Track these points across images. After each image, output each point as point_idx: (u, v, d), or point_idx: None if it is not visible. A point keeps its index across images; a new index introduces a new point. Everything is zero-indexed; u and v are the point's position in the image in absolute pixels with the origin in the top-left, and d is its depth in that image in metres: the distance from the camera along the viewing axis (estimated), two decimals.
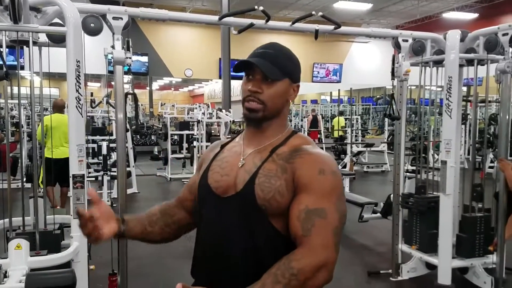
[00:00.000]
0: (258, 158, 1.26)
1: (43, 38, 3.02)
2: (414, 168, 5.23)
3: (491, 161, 9.06)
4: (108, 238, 1.31)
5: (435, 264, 3.94)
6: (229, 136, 1.46)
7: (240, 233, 1.22)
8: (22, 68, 5.55)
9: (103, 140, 7.92)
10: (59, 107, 5.86)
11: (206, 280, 1.23)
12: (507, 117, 3.80)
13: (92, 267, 3.01)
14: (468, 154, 9.91)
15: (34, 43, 2.90)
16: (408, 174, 4.71)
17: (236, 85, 24.20)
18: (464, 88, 5.99)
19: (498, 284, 3.75)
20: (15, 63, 2.87)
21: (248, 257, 1.21)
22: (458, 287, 3.86)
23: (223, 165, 1.31)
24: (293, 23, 3.44)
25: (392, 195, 4.42)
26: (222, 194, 1.27)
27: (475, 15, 16.40)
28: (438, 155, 4.11)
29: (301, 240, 1.15)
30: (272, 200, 1.19)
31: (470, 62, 3.95)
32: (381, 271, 4.25)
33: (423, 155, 4.68)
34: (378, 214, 5.34)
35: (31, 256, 2.47)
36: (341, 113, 15.33)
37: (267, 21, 3.32)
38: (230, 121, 9.14)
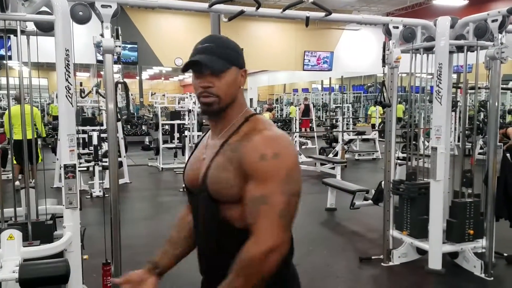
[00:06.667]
0: (213, 150, 1.32)
1: (31, 27, 2.97)
2: (405, 155, 5.28)
3: (481, 148, 9.16)
4: None
5: (425, 249, 4.00)
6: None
7: (205, 226, 1.34)
8: (10, 58, 5.50)
9: (93, 130, 7.86)
10: (19, 99, 6.53)
11: (202, 270, 1.47)
12: (496, 103, 3.84)
13: (85, 257, 3.00)
14: (458, 140, 10.00)
15: (22, 32, 2.86)
16: (399, 161, 4.76)
17: None
18: (454, 75, 6.03)
19: (487, 268, 3.82)
20: (2, 53, 2.83)
21: (213, 248, 1.34)
22: (449, 272, 3.93)
23: (192, 160, 1.42)
24: (284, 10, 3.43)
25: (383, 182, 4.46)
26: (193, 189, 1.38)
27: (465, 2, 16.39)
28: (428, 142, 4.14)
29: (251, 229, 1.21)
30: (222, 190, 1.25)
31: (460, 49, 3.97)
32: (373, 257, 4.30)
33: (414, 142, 4.72)
34: (370, 201, 5.39)
35: (23, 246, 2.46)
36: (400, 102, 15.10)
37: (257, 8, 3.30)
38: None
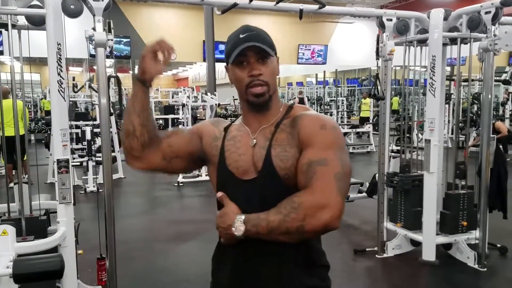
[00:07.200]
0: (267, 132, 1.29)
1: (22, 21, 2.94)
2: (398, 148, 5.29)
3: (474, 140, 9.20)
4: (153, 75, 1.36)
5: (419, 241, 4.02)
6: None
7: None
8: (1, 53, 5.45)
9: (86, 125, 7.82)
10: (5, 94, 6.50)
11: (232, 266, 1.31)
12: (490, 96, 3.85)
13: (80, 251, 3.00)
14: (452, 133, 10.04)
15: (13, 26, 2.83)
16: (392, 154, 4.77)
17: (221, 68, 23.99)
18: (448, 68, 6.04)
19: (481, 259, 3.85)
20: None
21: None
22: (442, 263, 3.95)
23: (238, 144, 1.32)
24: (277, 2, 3.41)
25: (377, 175, 4.47)
26: (243, 176, 1.28)
27: None
28: (422, 135, 4.16)
29: (305, 188, 1.18)
30: (292, 167, 1.23)
31: (453, 41, 3.98)
32: (367, 249, 4.32)
33: (408, 135, 4.73)
34: (364, 194, 5.41)
35: (17, 242, 2.45)
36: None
37: (250, 0, 3.29)
38: (216, 105, 9.10)
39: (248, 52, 1.25)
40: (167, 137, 1.42)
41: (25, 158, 4.25)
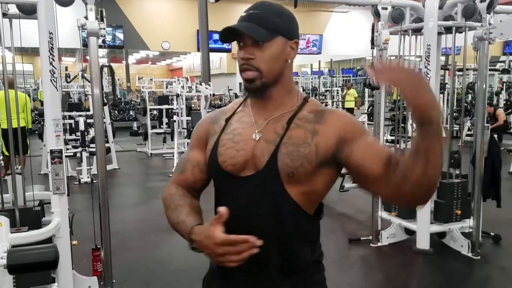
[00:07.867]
0: (279, 126, 1.18)
1: (13, 9, 2.90)
2: (393, 138, 5.31)
3: (468, 129, 9.24)
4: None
5: (413, 229, 4.05)
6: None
7: (267, 215, 1.15)
8: None
9: (80, 116, 7.77)
10: (10, 83, 6.40)
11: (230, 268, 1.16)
12: (484, 85, 3.85)
13: (74, 242, 2.99)
14: (446, 122, 10.07)
15: (4, 15, 2.79)
16: (387, 143, 4.78)
17: (215, 58, 23.84)
18: (443, 58, 6.03)
19: (474, 247, 3.88)
20: None
21: (277, 236, 1.17)
22: (436, 251, 3.99)
23: (236, 138, 1.20)
24: None
25: None
26: (240, 173, 1.18)
27: None
28: None
29: (391, 155, 1.12)
30: (300, 168, 1.13)
31: (448, 30, 3.97)
32: (362, 238, 4.34)
33: (402, 125, 4.74)
34: None
35: (11, 233, 2.44)
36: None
37: None
38: (210, 95, 9.06)
39: (243, 33, 1.14)
40: (193, 184, 1.32)
41: (28, 153, 4.20)
